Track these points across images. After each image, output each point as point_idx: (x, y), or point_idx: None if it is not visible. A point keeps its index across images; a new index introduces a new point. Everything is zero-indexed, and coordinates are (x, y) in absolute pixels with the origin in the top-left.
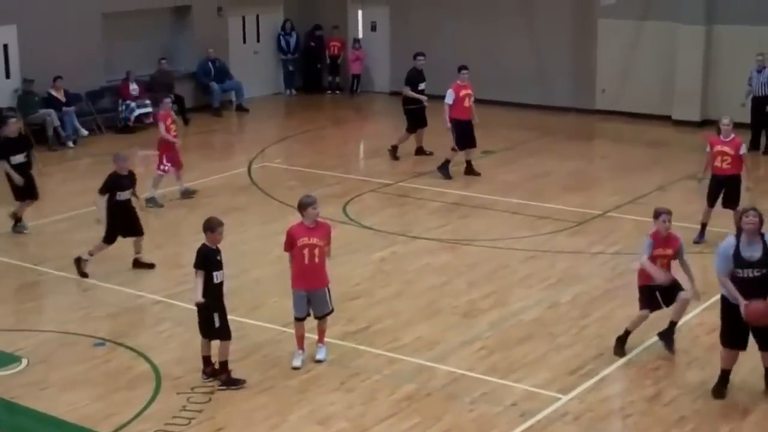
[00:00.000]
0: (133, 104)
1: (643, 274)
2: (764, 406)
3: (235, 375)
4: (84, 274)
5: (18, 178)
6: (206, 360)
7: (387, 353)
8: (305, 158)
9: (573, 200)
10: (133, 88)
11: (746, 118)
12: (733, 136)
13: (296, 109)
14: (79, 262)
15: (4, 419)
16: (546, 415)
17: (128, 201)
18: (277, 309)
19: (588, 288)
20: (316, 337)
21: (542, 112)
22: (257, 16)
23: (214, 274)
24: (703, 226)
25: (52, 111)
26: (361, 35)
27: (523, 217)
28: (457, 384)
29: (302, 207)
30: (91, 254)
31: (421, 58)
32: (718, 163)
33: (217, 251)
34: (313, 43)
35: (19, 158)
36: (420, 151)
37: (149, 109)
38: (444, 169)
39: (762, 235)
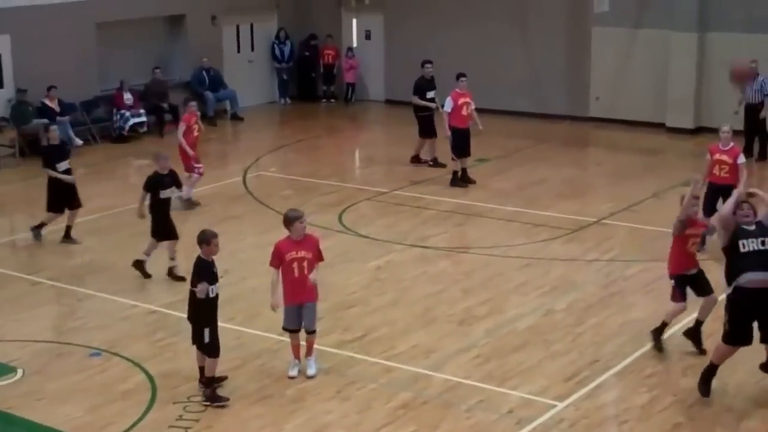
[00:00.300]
0: (127, 114)
1: (675, 261)
2: (760, 412)
3: (232, 384)
4: (147, 275)
5: (70, 178)
6: (202, 370)
7: (383, 361)
8: (300, 167)
9: (568, 208)
10: (128, 97)
11: (740, 126)
12: (732, 144)
13: (291, 118)
14: (139, 264)
15: None
16: (542, 422)
17: (168, 200)
18: (274, 318)
19: (583, 295)
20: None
21: (536, 119)
22: (251, 25)
23: (210, 288)
24: (703, 235)
25: (46, 121)
26: (355, 44)
27: (518, 225)
28: (453, 392)
29: (289, 222)
30: (147, 254)
31: (429, 65)
32: (716, 171)
33: (212, 264)
34: (307, 52)
35: (64, 165)
36: (416, 159)
37: (144, 119)
38: (455, 181)
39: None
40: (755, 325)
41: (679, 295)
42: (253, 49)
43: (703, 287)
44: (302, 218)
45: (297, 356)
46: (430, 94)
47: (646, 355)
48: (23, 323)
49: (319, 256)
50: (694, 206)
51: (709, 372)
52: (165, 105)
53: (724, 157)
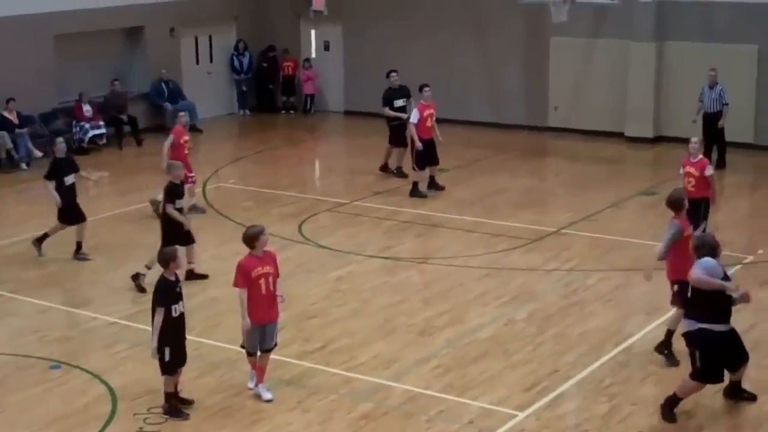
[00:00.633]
0: (87, 126)
1: (674, 267)
2: (721, 422)
3: (192, 395)
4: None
5: (58, 201)
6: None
7: (344, 372)
8: (260, 178)
9: (527, 217)
10: (87, 109)
11: (698, 134)
12: (700, 156)
13: (250, 129)
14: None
15: None
16: None
17: (181, 210)
18: (234, 329)
19: (543, 305)
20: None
21: (495, 130)
22: (210, 37)
23: (173, 307)
24: None
25: (5, 133)
26: (314, 55)
27: (477, 235)
28: (414, 402)
29: (253, 238)
30: (190, 262)
31: (394, 74)
32: (685, 185)
33: (176, 282)
34: (266, 63)
35: (70, 179)
36: (384, 167)
37: (103, 131)
38: (415, 192)
39: None
40: None
41: (680, 300)
42: (211, 61)
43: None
44: (265, 231)
45: (258, 374)
46: (399, 103)
47: (606, 364)
48: None
49: (278, 271)
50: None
51: (673, 403)
52: (124, 117)
53: (692, 170)
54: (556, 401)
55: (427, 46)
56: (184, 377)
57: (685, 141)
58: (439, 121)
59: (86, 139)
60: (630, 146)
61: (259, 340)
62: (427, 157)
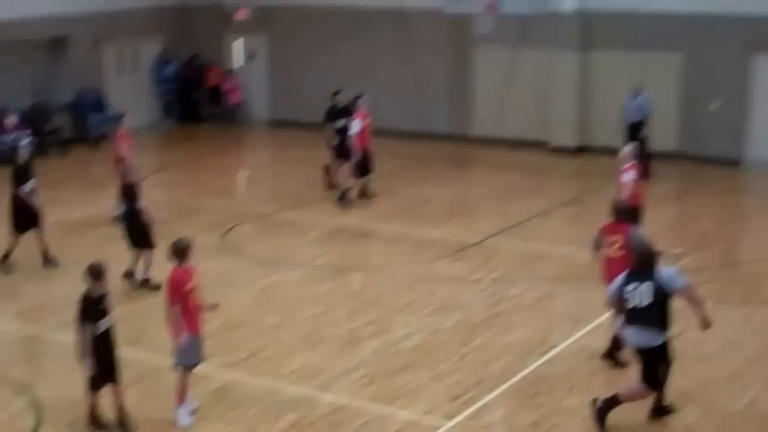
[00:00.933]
0: (10, 137)
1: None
2: (649, 430)
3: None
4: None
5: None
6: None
7: (269, 383)
8: (184, 188)
9: (453, 227)
10: (10, 120)
11: (622, 144)
12: (625, 165)
13: (175, 139)
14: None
15: None
16: None
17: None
18: (158, 340)
19: (469, 315)
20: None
21: (421, 140)
22: (135, 47)
23: (98, 324)
24: None
25: None
26: (239, 65)
27: (403, 245)
28: (340, 413)
29: (184, 251)
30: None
31: (339, 95)
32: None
33: (101, 298)
34: (191, 73)
35: (30, 185)
36: (333, 185)
37: (28, 141)
38: (343, 199)
39: None
40: None
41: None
42: (136, 71)
43: None
44: (192, 243)
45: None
46: (341, 123)
47: (531, 374)
48: None
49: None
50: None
51: (611, 405)
52: (48, 127)
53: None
54: (481, 411)
55: (352, 56)
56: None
57: (609, 151)
58: None
59: (10, 150)
60: (554, 156)
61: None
62: (364, 166)
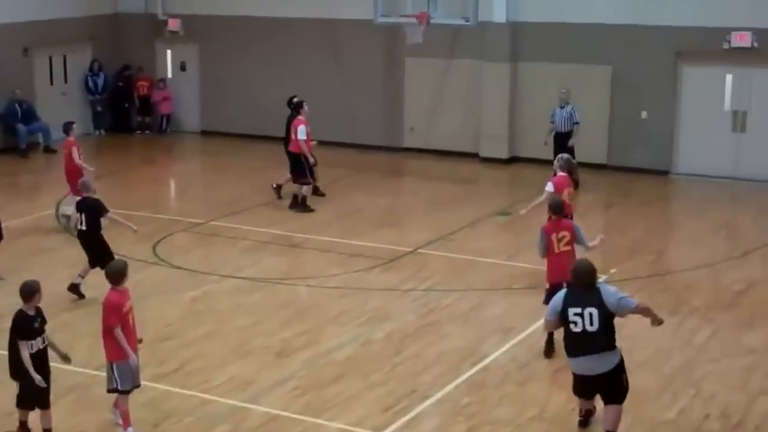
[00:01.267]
0: None
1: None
2: None
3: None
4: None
5: None
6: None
7: (200, 394)
8: (114, 199)
9: (384, 237)
10: None
11: (550, 154)
12: (556, 174)
13: (105, 149)
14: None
15: None
16: None
17: None
18: (87, 352)
19: (400, 325)
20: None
21: (352, 150)
22: (64, 57)
23: (30, 343)
24: None
25: None
26: (170, 75)
27: (334, 255)
28: (271, 424)
29: (121, 275)
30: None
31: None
32: None
33: (35, 317)
34: (121, 83)
35: None
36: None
37: None
38: (305, 205)
39: None
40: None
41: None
42: (66, 81)
43: None
44: (127, 266)
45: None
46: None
47: (464, 384)
48: None
49: None
50: None
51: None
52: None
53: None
54: (414, 421)
55: (283, 67)
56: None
57: (539, 162)
58: None
59: None
60: (485, 166)
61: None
62: (311, 170)
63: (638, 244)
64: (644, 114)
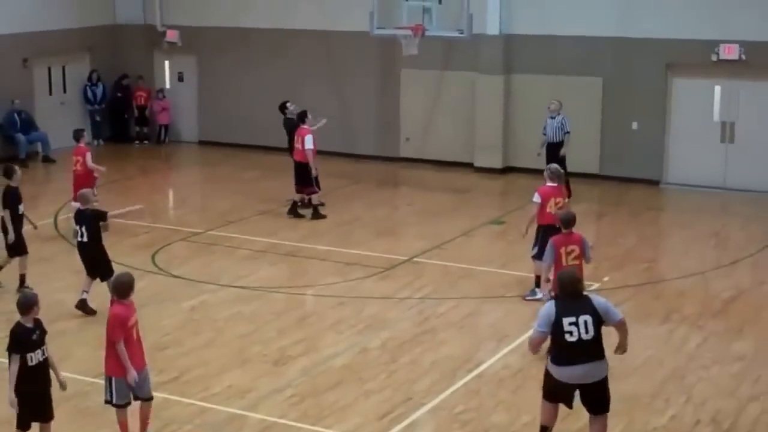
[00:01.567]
0: None
1: None
2: None
3: None
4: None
5: (11, 235)
6: None
7: (198, 402)
8: (113, 208)
9: (380, 246)
10: None
11: (544, 165)
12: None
13: (104, 159)
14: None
15: None
16: None
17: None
18: (86, 360)
19: (396, 333)
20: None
21: (348, 160)
22: (63, 67)
23: (29, 356)
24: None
25: None
26: (168, 85)
27: (331, 264)
28: (269, 431)
29: (128, 288)
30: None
31: (290, 106)
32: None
33: (34, 329)
34: (119, 94)
35: (22, 208)
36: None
37: None
38: (318, 213)
39: None
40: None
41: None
42: (65, 91)
43: None
44: (133, 279)
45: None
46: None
47: (459, 391)
48: None
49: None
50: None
51: None
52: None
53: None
54: (409, 428)
55: (280, 78)
56: None
57: (533, 171)
58: None
59: None
60: (479, 176)
61: (137, 388)
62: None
63: (629, 253)
64: (635, 125)
